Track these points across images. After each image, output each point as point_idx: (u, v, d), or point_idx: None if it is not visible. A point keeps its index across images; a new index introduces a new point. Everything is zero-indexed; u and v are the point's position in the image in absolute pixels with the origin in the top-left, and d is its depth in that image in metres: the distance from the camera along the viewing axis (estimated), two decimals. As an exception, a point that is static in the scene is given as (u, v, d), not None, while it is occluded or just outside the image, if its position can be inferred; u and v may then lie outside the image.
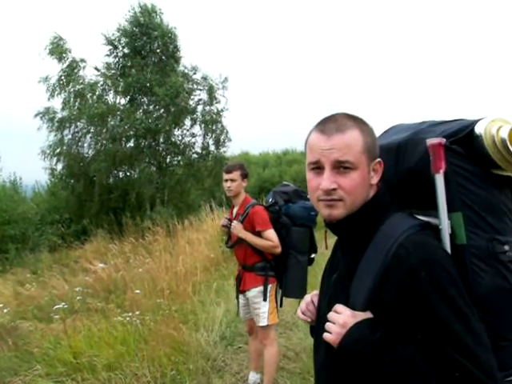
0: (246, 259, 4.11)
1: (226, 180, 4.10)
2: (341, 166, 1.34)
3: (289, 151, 29.14)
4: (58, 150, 16.00)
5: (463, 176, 1.35)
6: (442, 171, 1.32)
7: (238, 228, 4.03)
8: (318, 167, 1.38)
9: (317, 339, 1.54)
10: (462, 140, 1.36)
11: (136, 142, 16.21)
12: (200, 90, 17.16)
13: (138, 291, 6.77)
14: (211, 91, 16.87)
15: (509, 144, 1.30)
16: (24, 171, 18.94)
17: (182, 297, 6.94)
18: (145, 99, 16.74)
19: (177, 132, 17.17)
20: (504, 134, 1.31)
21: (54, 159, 16.19)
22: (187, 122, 17.19)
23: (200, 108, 17.19)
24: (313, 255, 4.05)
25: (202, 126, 17.19)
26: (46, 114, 15.89)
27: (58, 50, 15.41)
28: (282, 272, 3.99)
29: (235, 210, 4.22)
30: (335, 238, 1.56)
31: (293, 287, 3.94)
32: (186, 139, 17.38)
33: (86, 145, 16.37)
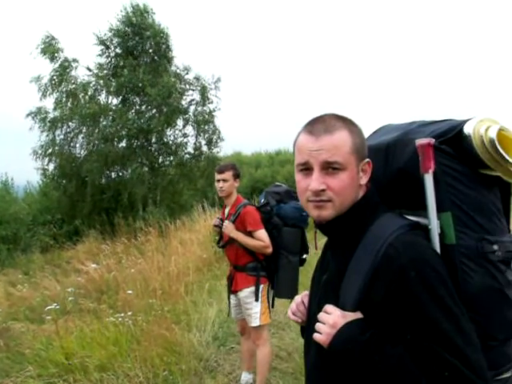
0: (237, 259, 4.11)
1: (218, 180, 4.10)
2: (329, 167, 1.34)
3: (281, 151, 29.02)
4: (49, 150, 15.90)
5: (452, 176, 1.35)
6: (431, 171, 1.32)
7: (229, 228, 4.03)
8: (306, 168, 1.38)
9: (307, 339, 1.54)
10: (451, 140, 1.37)
11: (128, 142, 16.14)
12: (193, 90, 17.14)
13: (130, 292, 6.76)
14: (204, 91, 16.84)
15: (497, 144, 1.30)
16: (15, 171, 18.90)
17: (174, 297, 6.93)
18: (137, 99, 16.67)
19: (169, 132, 17.13)
20: (492, 134, 1.31)
21: (46, 159, 16.08)
22: (179, 122, 17.15)
23: (192, 108, 17.17)
24: (304, 256, 4.05)
25: (195, 126, 17.16)
26: (38, 114, 15.81)
27: (50, 49, 15.34)
28: (273, 272, 3.99)
29: (227, 210, 4.22)
30: (325, 238, 1.56)
31: (284, 287, 3.93)
32: (179, 139, 17.35)
33: (78, 145, 16.31)
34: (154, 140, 16.79)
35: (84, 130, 15.90)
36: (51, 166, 16.40)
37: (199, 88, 16.95)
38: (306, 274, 4.61)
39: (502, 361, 1.38)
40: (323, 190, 1.34)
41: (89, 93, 15.83)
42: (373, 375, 1.25)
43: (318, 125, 1.38)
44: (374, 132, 1.71)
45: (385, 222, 1.37)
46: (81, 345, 4.87)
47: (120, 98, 16.58)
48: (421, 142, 1.33)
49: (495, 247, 1.33)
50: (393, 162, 1.46)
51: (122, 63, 16.34)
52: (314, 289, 1.60)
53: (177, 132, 17.38)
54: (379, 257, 1.28)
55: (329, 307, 1.37)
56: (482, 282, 1.32)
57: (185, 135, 17.37)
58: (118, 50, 16.73)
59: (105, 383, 4.31)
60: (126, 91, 16.21)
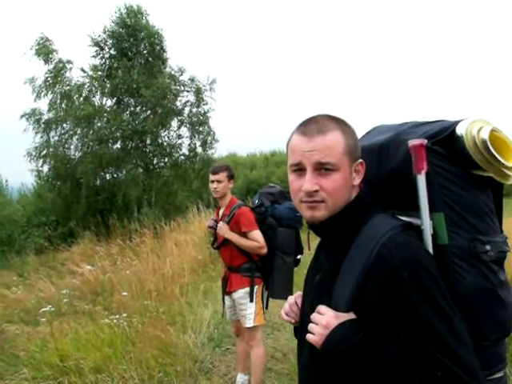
0: (232, 260, 4.11)
1: (213, 181, 4.10)
2: (322, 168, 1.34)
3: (276, 152, 29.04)
4: (44, 152, 15.80)
5: (445, 177, 1.35)
6: (423, 172, 1.33)
7: (223, 229, 4.03)
8: (299, 169, 1.38)
9: (300, 340, 1.54)
10: (444, 141, 1.37)
11: (123, 143, 16.08)
12: (187, 91, 17.12)
13: (125, 293, 6.75)
14: (199, 93, 16.83)
15: (489, 145, 1.31)
16: (10, 173, 18.83)
17: (169, 298, 6.93)
18: (131, 101, 16.62)
19: (164, 133, 17.08)
20: (485, 134, 1.31)
21: (41, 161, 15.97)
22: (174, 124, 17.11)
23: (187, 109, 17.15)
24: (299, 256, 4.05)
25: (189, 127, 17.14)
26: (32, 116, 15.72)
27: (44, 50, 15.26)
28: (268, 273, 3.99)
29: (221, 211, 4.22)
30: (319, 239, 1.57)
31: (279, 288, 3.93)
32: (173, 141, 17.31)
33: (72, 146, 16.20)
34: (148, 141, 16.74)
35: (78, 132, 15.82)
36: (45, 168, 16.32)
37: (194, 89, 16.93)
38: (301, 275, 4.62)
39: (495, 361, 1.38)
40: (316, 191, 1.34)
41: (83, 94, 15.74)
42: (366, 376, 1.25)
43: (311, 125, 1.38)
44: (367, 133, 1.71)
45: (378, 222, 1.37)
46: (76, 347, 4.86)
47: (114, 100, 16.53)
48: (413, 142, 1.34)
49: (487, 247, 1.34)
50: (386, 162, 1.47)
51: (116, 64, 16.28)
52: (307, 289, 1.60)
53: (171, 133, 17.34)
54: (372, 257, 1.29)
55: (322, 308, 1.37)
56: (475, 282, 1.32)
57: (179, 136, 17.35)
58: (113, 52, 16.66)
59: (100, 385, 4.30)
60: (120, 92, 16.14)
